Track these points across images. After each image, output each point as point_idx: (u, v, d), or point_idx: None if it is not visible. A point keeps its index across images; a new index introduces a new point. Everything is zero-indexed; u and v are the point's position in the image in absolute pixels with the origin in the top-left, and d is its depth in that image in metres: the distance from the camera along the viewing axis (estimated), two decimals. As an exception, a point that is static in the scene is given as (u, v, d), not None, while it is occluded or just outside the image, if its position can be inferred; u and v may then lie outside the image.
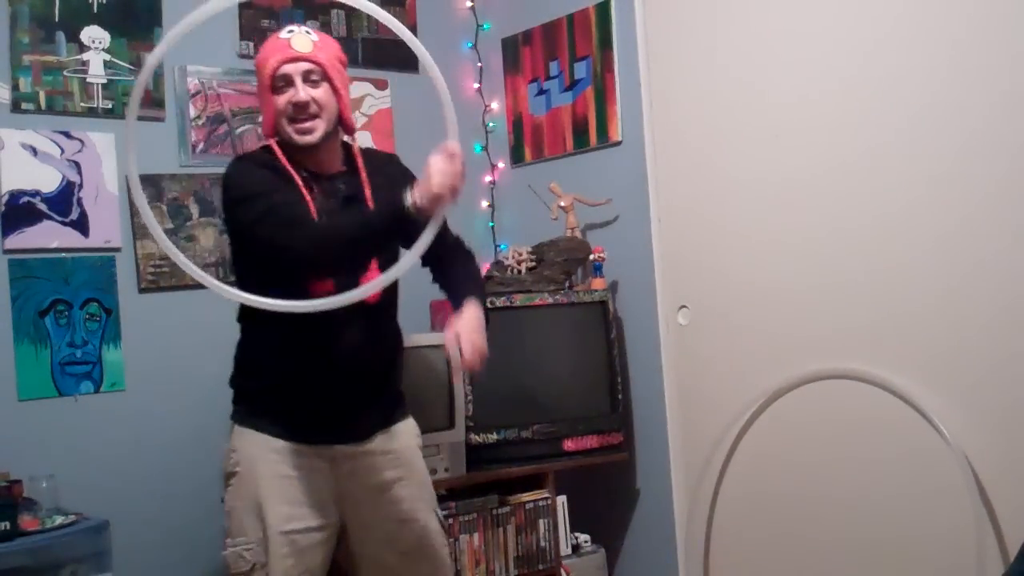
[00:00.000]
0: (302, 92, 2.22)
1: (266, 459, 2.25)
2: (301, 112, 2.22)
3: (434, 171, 2.00)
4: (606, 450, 3.39)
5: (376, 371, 2.35)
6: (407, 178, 2.30)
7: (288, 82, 2.22)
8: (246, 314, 2.31)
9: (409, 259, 2.05)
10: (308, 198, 2.23)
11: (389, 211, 2.09)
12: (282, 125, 2.25)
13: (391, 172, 2.39)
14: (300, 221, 2.15)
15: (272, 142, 2.30)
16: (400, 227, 2.07)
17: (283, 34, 2.27)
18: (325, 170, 2.31)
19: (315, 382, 2.26)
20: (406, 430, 2.44)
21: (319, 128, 2.24)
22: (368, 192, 2.32)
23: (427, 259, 2.33)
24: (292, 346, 2.23)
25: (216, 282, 2.07)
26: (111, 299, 3.12)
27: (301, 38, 2.25)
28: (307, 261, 2.13)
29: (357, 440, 2.32)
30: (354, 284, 2.14)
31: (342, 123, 2.32)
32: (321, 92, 2.24)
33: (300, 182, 2.24)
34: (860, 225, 2.90)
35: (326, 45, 2.29)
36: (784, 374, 3.08)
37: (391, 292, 2.36)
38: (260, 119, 2.36)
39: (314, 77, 2.23)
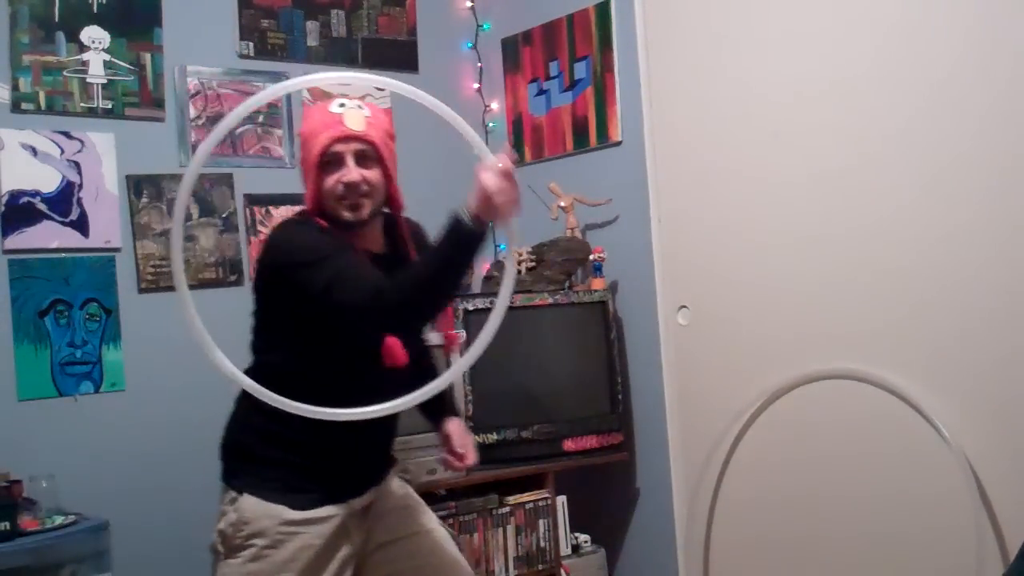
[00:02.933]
0: (354, 172, 2.09)
1: (297, 532, 2.11)
2: (352, 192, 2.10)
3: (487, 184, 1.89)
4: (606, 450, 3.39)
5: (396, 426, 2.32)
6: None
7: (339, 161, 2.10)
8: (276, 376, 2.05)
9: (475, 352, 1.97)
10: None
11: (451, 238, 1.95)
12: (329, 202, 2.12)
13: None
14: (374, 277, 2.01)
15: (316, 219, 2.14)
16: (469, 245, 1.97)
17: (334, 108, 2.13)
18: (368, 248, 2.17)
19: (352, 454, 2.18)
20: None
21: (367, 207, 2.12)
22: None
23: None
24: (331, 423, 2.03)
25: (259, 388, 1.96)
26: (111, 299, 3.12)
27: (354, 114, 2.11)
28: (394, 318, 2.01)
29: (376, 486, 2.29)
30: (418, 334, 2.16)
31: (391, 203, 2.20)
32: (372, 173, 2.11)
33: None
34: (859, 225, 2.90)
35: (377, 121, 2.16)
36: (784, 374, 3.08)
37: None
38: (304, 189, 2.17)
39: (366, 157, 2.12)
